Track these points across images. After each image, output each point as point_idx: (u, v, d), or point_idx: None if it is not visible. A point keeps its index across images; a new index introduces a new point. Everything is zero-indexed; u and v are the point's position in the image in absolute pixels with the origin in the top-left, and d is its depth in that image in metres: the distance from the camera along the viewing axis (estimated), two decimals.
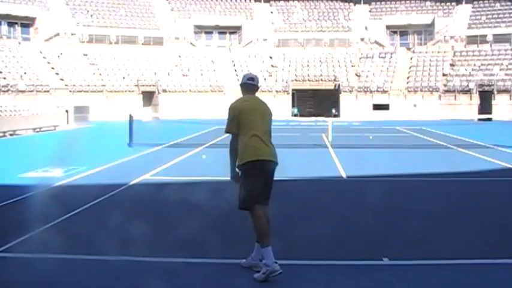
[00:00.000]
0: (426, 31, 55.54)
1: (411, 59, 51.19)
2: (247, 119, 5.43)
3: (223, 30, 57.25)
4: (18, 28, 50.48)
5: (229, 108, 5.55)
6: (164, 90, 47.06)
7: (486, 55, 49.74)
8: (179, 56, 51.92)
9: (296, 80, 49.00)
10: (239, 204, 5.47)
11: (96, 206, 8.76)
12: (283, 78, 49.20)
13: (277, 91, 47.61)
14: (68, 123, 32.07)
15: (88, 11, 53.95)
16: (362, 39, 54.69)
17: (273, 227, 5.45)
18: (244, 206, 5.42)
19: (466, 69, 47.97)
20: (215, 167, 14.01)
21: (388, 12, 57.29)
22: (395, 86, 47.21)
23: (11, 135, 25.30)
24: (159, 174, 12.55)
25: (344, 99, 46.74)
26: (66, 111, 32.71)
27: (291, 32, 55.43)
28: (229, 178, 5.59)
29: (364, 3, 58.33)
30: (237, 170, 5.54)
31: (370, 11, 57.93)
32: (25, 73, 43.54)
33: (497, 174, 12.92)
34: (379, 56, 51.72)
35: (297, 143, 20.92)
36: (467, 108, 44.01)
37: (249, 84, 5.74)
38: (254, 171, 5.38)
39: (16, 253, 6.13)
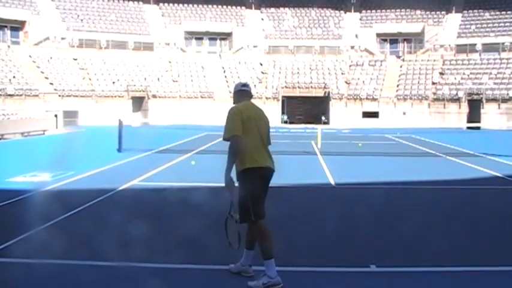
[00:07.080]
0: (416, 39, 55.89)
1: (401, 67, 51.44)
2: (250, 124, 5.35)
3: (213, 37, 57.32)
4: (8, 31, 50.24)
5: (232, 112, 5.41)
6: (154, 96, 46.97)
7: (475, 64, 50.10)
8: (169, 62, 51.86)
9: (286, 87, 49.05)
10: (240, 218, 5.29)
11: (84, 211, 8.69)
12: (273, 85, 49.26)
13: (267, 98, 47.65)
14: (57, 127, 31.87)
15: (78, 16, 53.81)
16: (352, 47, 54.89)
17: None
18: (245, 218, 5.26)
19: (455, 78, 48.29)
20: (204, 173, 13.98)
21: (379, 21, 57.60)
22: (385, 93, 47.40)
23: None
24: (148, 179, 12.49)
25: (334, 106, 46.88)
26: (55, 115, 32.52)
27: (281, 39, 55.58)
28: (223, 184, 5.35)
29: (354, 11, 58.64)
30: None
31: (360, 19, 58.21)
32: (14, 77, 43.29)
33: (486, 183, 12.99)
34: (369, 64, 51.94)
35: (286, 149, 20.86)
36: (456, 116, 44.28)
37: (244, 91, 5.71)
38: (254, 177, 5.28)
39: None
